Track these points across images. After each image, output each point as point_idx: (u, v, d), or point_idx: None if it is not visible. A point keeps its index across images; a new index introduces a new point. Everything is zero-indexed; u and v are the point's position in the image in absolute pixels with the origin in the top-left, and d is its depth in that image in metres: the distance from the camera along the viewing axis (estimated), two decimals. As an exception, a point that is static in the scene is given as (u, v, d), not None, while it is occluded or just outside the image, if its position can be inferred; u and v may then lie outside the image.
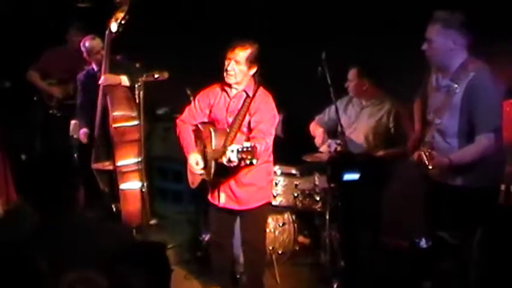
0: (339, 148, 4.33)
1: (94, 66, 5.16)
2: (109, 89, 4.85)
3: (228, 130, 3.83)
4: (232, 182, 3.92)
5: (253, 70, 3.85)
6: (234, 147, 3.40)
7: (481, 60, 3.50)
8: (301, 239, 4.99)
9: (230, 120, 3.86)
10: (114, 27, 4.55)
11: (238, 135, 3.82)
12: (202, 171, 3.90)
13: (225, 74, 3.81)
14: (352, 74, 4.59)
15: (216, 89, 3.97)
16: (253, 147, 3.38)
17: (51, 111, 6.02)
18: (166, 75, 4.08)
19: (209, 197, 4.07)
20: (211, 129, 3.86)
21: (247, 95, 3.84)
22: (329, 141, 4.53)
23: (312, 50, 4.14)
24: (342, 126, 4.29)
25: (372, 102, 4.58)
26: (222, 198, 3.96)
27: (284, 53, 5.57)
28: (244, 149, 3.36)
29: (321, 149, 4.60)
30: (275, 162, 4.88)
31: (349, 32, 5.16)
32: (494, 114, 3.44)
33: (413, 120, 3.88)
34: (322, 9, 5.28)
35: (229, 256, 4.29)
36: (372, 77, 4.57)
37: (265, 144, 3.71)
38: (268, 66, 5.64)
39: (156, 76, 3.85)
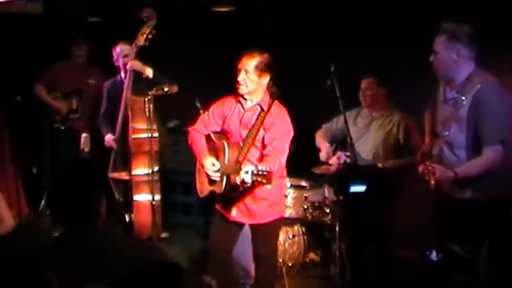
0: (348, 160, 4.33)
1: (122, 74, 5.20)
2: (131, 100, 4.91)
3: (241, 144, 3.82)
4: (246, 197, 3.88)
5: (265, 79, 3.83)
6: (249, 168, 3.40)
7: (488, 72, 3.50)
8: (312, 256, 4.97)
9: (243, 133, 3.85)
10: (141, 41, 4.61)
11: (252, 149, 3.81)
12: (218, 174, 3.83)
13: (236, 85, 3.82)
14: (368, 83, 4.62)
15: (231, 100, 3.96)
16: (269, 173, 3.36)
17: (56, 125, 6.08)
18: (176, 88, 4.12)
19: (219, 207, 4.02)
20: (225, 143, 3.85)
21: (262, 109, 3.83)
22: (338, 153, 4.53)
23: (321, 62, 4.16)
24: (351, 138, 4.29)
25: (382, 113, 4.60)
26: (234, 212, 3.93)
27: (293, 64, 5.60)
28: (260, 172, 3.36)
29: (330, 161, 4.61)
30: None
31: (359, 44, 5.17)
32: (501, 127, 3.43)
33: (423, 132, 3.88)
34: (331, 21, 5.30)
35: (231, 266, 4.21)
36: (388, 87, 4.61)
37: (279, 163, 3.70)
38: (278, 77, 5.72)
39: (165, 90, 3.88)
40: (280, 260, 4.68)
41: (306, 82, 5.17)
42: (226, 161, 3.79)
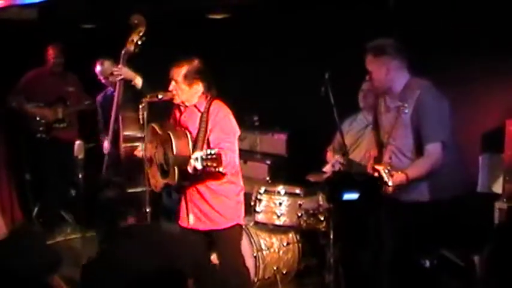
0: (341, 168, 4.34)
1: (111, 88, 5.20)
2: (122, 108, 4.88)
3: (188, 135, 3.74)
4: (200, 202, 3.85)
5: (197, 87, 3.77)
6: (198, 154, 3.37)
7: (424, 78, 3.67)
8: (306, 261, 4.96)
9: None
10: (130, 47, 4.59)
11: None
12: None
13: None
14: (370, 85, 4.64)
15: (174, 108, 3.97)
16: (218, 154, 3.32)
17: (38, 135, 6.00)
18: (170, 95, 4.09)
19: (179, 220, 3.99)
20: (170, 133, 3.75)
21: (200, 111, 3.78)
22: (334, 159, 4.54)
23: (316, 69, 4.17)
24: (345, 146, 4.31)
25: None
26: (191, 219, 3.89)
27: (288, 71, 5.62)
28: (209, 156, 3.32)
29: (324, 169, 4.62)
30: (279, 182, 4.95)
31: (354, 50, 5.18)
32: (442, 127, 3.57)
33: None
34: (327, 28, 5.31)
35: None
36: None
37: (230, 155, 3.59)
38: (273, 85, 5.74)
39: (160, 96, 3.84)
40: (275, 268, 4.68)
41: (300, 89, 5.18)
42: (174, 151, 3.69)
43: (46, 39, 6.21)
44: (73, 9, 6.25)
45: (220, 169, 3.41)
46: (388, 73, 3.62)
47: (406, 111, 3.53)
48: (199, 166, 3.36)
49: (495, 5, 4.18)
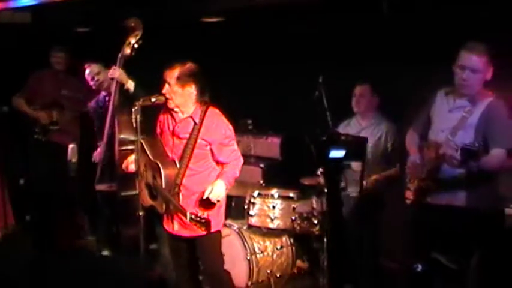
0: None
1: (103, 92, 5.19)
2: (116, 111, 4.87)
3: (177, 165, 3.77)
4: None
5: (190, 89, 3.76)
6: (188, 216, 3.51)
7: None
8: (299, 263, 4.97)
9: (177, 143, 3.82)
10: (127, 50, 4.58)
11: (191, 165, 3.78)
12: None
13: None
14: (363, 89, 4.71)
15: (165, 113, 3.93)
16: (207, 221, 3.49)
17: (36, 136, 6.02)
18: (163, 99, 4.09)
19: (164, 224, 4.00)
20: (159, 163, 3.77)
21: (195, 122, 3.78)
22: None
23: (309, 73, 4.18)
24: None
25: (372, 122, 4.69)
26: (176, 226, 3.89)
27: (282, 75, 5.62)
28: (198, 219, 3.50)
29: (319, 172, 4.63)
30: (273, 185, 4.95)
31: (349, 55, 5.20)
32: (509, 136, 3.55)
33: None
34: (321, 32, 5.33)
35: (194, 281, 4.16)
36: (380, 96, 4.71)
37: (240, 164, 3.83)
38: (267, 89, 5.75)
39: (153, 100, 3.83)
40: (268, 271, 4.68)
41: (294, 93, 5.19)
42: (163, 183, 3.73)
43: (39, 43, 6.19)
44: (67, 13, 6.24)
45: (203, 232, 3.58)
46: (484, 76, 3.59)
47: (474, 112, 3.54)
48: (186, 221, 3.56)
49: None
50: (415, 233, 3.86)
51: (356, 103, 4.72)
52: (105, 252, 5.18)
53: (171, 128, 3.87)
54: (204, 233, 3.68)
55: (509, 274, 3.62)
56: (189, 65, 3.77)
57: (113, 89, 4.76)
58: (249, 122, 5.87)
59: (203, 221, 3.48)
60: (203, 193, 3.73)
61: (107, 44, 4.73)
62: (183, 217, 3.61)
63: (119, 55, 4.61)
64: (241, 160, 3.89)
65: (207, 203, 3.75)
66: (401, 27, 4.73)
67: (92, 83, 5.28)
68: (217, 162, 3.85)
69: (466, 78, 3.57)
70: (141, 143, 3.81)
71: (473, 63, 3.54)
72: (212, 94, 3.91)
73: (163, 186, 3.73)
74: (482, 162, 3.39)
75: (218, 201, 3.75)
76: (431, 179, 3.63)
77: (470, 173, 3.52)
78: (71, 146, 5.40)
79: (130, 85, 4.58)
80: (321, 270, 4.53)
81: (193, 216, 3.49)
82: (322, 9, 5.05)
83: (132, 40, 4.55)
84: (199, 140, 3.75)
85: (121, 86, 4.66)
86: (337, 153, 4.00)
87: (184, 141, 3.79)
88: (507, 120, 3.57)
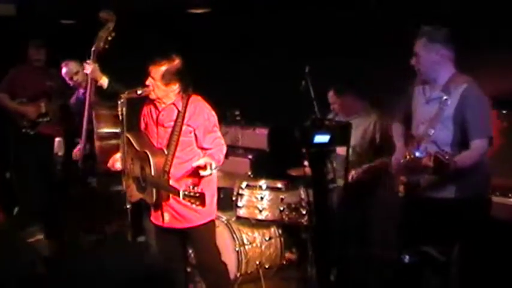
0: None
1: (82, 89, 5.15)
2: (94, 106, 4.82)
3: (165, 151, 3.74)
4: (175, 203, 3.77)
5: (174, 87, 3.72)
6: (181, 193, 3.41)
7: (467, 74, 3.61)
8: (288, 254, 4.97)
9: (161, 132, 3.79)
10: (100, 44, 4.52)
11: (177, 153, 3.74)
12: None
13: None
14: (330, 96, 4.68)
15: (148, 104, 3.90)
16: (202, 194, 3.38)
17: (24, 130, 5.95)
18: (148, 90, 4.06)
19: (152, 217, 3.94)
20: (148, 152, 3.73)
21: (178, 110, 3.75)
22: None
23: (296, 65, 4.17)
24: None
25: (359, 114, 4.64)
26: (166, 218, 3.83)
27: (268, 66, 5.61)
28: (191, 194, 3.38)
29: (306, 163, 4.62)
30: (261, 176, 4.94)
31: (334, 47, 5.20)
32: (488, 123, 3.54)
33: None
34: (308, 26, 5.32)
35: (182, 281, 4.11)
36: (354, 91, 4.65)
37: (224, 151, 3.75)
38: (254, 80, 5.74)
39: (139, 92, 3.79)
40: (257, 262, 4.68)
41: (282, 84, 5.18)
42: (152, 172, 3.69)
43: (25, 35, 6.13)
44: (52, 5, 6.18)
45: (200, 208, 3.44)
46: (438, 61, 3.55)
47: (449, 103, 3.47)
48: (180, 199, 3.43)
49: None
50: (403, 224, 3.86)
51: (332, 108, 4.71)
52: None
53: (154, 117, 3.83)
54: (199, 223, 3.70)
55: (490, 263, 3.64)
56: (176, 63, 3.70)
57: (88, 84, 4.71)
58: (237, 112, 5.86)
59: (197, 194, 3.37)
60: (192, 170, 3.66)
61: (93, 36, 4.69)
62: (176, 197, 3.49)
63: (92, 49, 4.55)
64: (225, 148, 3.83)
65: (197, 177, 3.66)
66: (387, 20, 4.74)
67: (70, 82, 5.25)
68: (202, 149, 3.80)
69: (414, 64, 3.60)
70: (127, 137, 3.78)
71: (415, 48, 3.58)
72: (200, 85, 3.89)
73: (153, 174, 3.69)
74: (462, 159, 3.37)
75: (210, 172, 3.60)
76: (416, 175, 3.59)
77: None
78: (57, 139, 5.35)
79: (104, 81, 4.54)
80: (310, 261, 4.55)
81: (186, 192, 3.38)
82: (310, 3, 5.06)
83: (105, 33, 4.51)
84: (184, 127, 3.72)
85: (96, 81, 4.62)
86: (321, 138, 3.97)
87: (169, 129, 3.75)
88: (483, 107, 3.53)
